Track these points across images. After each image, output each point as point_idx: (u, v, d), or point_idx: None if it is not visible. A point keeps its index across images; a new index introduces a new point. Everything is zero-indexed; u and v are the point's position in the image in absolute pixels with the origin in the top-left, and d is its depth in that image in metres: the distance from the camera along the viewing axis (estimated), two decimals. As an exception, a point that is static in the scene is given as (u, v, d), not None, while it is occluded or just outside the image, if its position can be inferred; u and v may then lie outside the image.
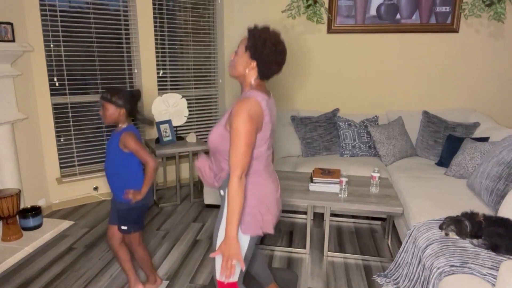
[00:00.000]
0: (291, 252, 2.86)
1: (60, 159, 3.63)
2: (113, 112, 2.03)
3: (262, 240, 3.01)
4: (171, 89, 4.18)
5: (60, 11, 3.41)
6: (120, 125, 2.09)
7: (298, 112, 4.03)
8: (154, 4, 3.85)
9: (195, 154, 4.15)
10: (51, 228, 3.11)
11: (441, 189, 2.75)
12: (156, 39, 3.95)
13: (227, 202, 1.48)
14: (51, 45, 3.42)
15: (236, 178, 1.46)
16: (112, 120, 2.05)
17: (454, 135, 3.40)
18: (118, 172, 2.09)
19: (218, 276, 1.63)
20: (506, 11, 3.62)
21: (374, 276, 2.48)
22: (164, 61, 4.09)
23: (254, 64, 1.56)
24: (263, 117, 1.53)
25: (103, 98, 2.01)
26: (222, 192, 1.66)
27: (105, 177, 3.80)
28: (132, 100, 2.06)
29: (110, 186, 2.13)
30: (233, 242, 1.46)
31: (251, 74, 1.59)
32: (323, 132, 3.76)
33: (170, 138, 3.74)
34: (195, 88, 4.34)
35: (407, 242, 2.29)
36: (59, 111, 3.57)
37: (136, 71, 3.91)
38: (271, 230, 1.63)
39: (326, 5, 3.93)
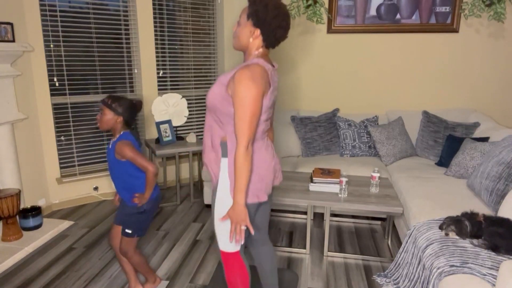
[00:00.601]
0: (291, 252, 2.86)
1: (60, 159, 3.63)
2: (110, 118, 2.00)
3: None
4: (171, 89, 4.18)
5: (60, 11, 3.41)
6: (116, 133, 2.06)
7: (298, 112, 4.03)
8: (154, 4, 3.85)
9: (195, 154, 4.16)
10: (51, 228, 3.11)
11: (441, 189, 2.75)
12: (156, 39, 3.95)
13: (234, 169, 1.48)
14: (51, 45, 3.42)
15: (243, 148, 1.46)
16: (108, 126, 2.02)
17: (454, 135, 3.40)
18: (121, 178, 2.08)
19: (222, 246, 1.65)
20: (506, 11, 3.62)
21: (374, 276, 2.48)
22: (164, 61, 4.09)
23: (258, 32, 1.52)
24: (269, 83, 1.51)
25: (103, 103, 2.00)
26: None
27: (106, 177, 3.82)
28: (131, 110, 2.04)
29: (116, 189, 2.13)
30: (241, 208, 1.49)
31: (256, 43, 1.55)
32: (323, 132, 3.76)
33: (170, 138, 3.74)
34: (195, 88, 4.34)
35: (407, 242, 2.29)
36: (59, 111, 3.57)
37: (136, 71, 3.91)
38: (264, 198, 1.64)
39: (326, 5, 3.94)
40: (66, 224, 3.25)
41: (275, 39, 1.55)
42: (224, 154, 1.60)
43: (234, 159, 1.48)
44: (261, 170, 1.62)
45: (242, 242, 1.55)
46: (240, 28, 1.54)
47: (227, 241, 1.64)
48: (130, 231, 2.12)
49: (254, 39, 1.54)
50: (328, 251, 2.83)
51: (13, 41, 3.02)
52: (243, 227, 1.53)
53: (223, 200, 1.61)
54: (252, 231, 1.55)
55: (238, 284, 1.72)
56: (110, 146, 2.05)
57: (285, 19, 1.52)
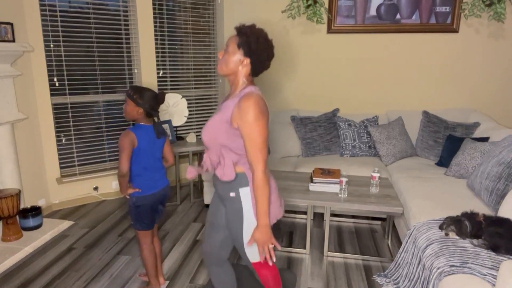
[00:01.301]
0: (291, 252, 2.86)
1: (60, 159, 3.63)
2: (131, 109, 2.07)
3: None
4: (171, 89, 4.19)
5: (60, 11, 3.41)
6: (134, 123, 2.14)
7: (298, 112, 4.03)
8: (154, 4, 3.85)
9: (195, 154, 4.15)
10: (51, 228, 3.11)
11: (441, 189, 2.75)
12: (156, 39, 3.95)
13: (255, 195, 1.57)
14: (51, 45, 3.42)
15: (261, 172, 1.55)
16: (130, 117, 2.09)
17: (454, 135, 3.40)
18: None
19: (254, 260, 1.76)
20: (506, 11, 3.62)
21: (374, 276, 2.48)
22: (164, 61, 4.09)
23: (247, 61, 1.59)
24: (267, 111, 1.60)
25: (126, 93, 2.07)
26: (232, 194, 1.67)
27: (106, 177, 3.82)
28: (152, 102, 2.08)
29: None
30: (266, 230, 1.60)
31: (244, 71, 1.61)
32: (323, 132, 3.76)
33: (170, 138, 3.74)
34: (195, 88, 4.34)
35: (407, 242, 2.29)
36: (59, 111, 3.57)
37: (136, 71, 3.91)
38: (281, 214, 1.78)
39: (326, 5, 3.93)
40: (66, 224, 3.25)
41: (262, 68, 1.63)
42: (245, 184, 1.66)
43: (255, 185, 1.56)
44: (273, 190, 1.73)
45: (274, 259, 1.64)
46: (228, 55, 1.59)
47: (256, 254, 1.73)
48: (132, 223, 2.21)
49: (243, 67, 1.60)
50: (328, 251, 2.82)
51: (13, 41, 3.02)
52: (271, 246, 1.63)
53: (253, 225, 1.68)
54: (279, 247, 1.67)
55: (269, 282, 1.88)
56: None
57: (272, 51, 1.62)
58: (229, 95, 1.68)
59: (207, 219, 1.89)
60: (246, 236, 1.70)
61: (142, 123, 2.10)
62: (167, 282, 2.47)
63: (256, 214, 1.61)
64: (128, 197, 2.13)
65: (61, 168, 3.65)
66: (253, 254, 1.75)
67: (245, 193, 1.67)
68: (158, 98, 2.10)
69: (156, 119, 2.18)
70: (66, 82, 3.55)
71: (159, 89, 4.06)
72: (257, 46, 1.56)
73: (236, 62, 1.59)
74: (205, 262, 1.93)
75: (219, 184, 1.72)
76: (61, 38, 3.46)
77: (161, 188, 2.19)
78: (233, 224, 1.71)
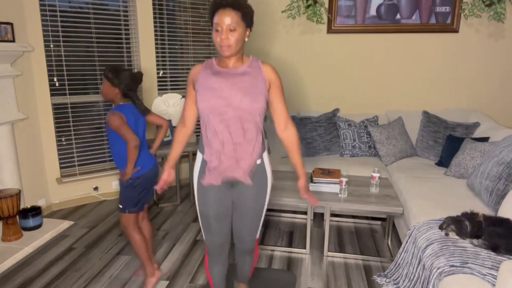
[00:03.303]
0: (291, 252, 2.86)
1: (60, 159, 3.63)
2: (107, 89, 2.05)
3: (262, 240, 3.01)
4: (171, 89, 4.18)
5: (60, 11, 3.41)
6: (114, 104, 2.10)
7: (298, 112, 4.03)
8: (154, 4, 3.85)
9: (195, 154, 4.15)
10: (51, 228, 3.11)
11: (441, 189, 2.75)
12: (156, 39, 3.94)
13: (297, 145, 1.73)
14: (51, 45, 3.42)
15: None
16: (107, 97, 2.08)
17: (454, 135, 3.40)
18: (113, 148, 2.13)
19: (257, 235, 1.88)
20: (506, 11, 3.62)
21: (374, 276, 2.48)
22: (164, 61, 4.09)
23: (248, 31, 1.60)
24: None
25: (103, 74, 2.06)
26: (259, 161, 1.71)
27: (106, 177, 3.82)
28: (129, 82, 2.06)
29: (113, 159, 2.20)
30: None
31: (243, 43, 1.62)
32: (323, 132, 3.75)
33: (170, 138, 3.74)
34: (195, 88, 4.33)
35: (407, 242, 2.29)
36: (59, 111, 3.57)
37: (136, 71, 3.90)
38: None
39: (326, 5, 3.93)
40: (66, 224, 3.25)
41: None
42: (264, 148, 1.75)
43: (295, 139, 1.72)
44: None
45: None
46: (236, 33, 1.53)
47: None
48: (121, 206, 2.16)
49: (246, 38, 1.61)
50: (328, 251, 2.82)
51: (13, 41, 3.02)
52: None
53: (271, 187, 1.80)
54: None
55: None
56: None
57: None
58: (222, 64, 1.63)
59: (208, 214, 1.77)
60: (267, 201, 1.80)
61: (121, 103, 2.09)
62: (167, 282, 2.47)
63: (299, 165, 1.77)
64: (123, 179, 2.11)
65: (61, 168, 3.65)
66: (258, 228, 1.86)
67: (266, 157, 1.75)
68: (135, 78, 2.09)
69: (135, 99, 2.14)
70: (66, 82, 3.55)
71: (158, 89, 4.06)
72: (253, 14, 1.59)
73: (243, 36, 1.57)
74: (218, 254, 1.88)
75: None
76: (61, 38, 3.46)
77: (153, 165, 2.20)
78: (258, 192, 1.74)
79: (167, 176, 1.81)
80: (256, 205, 1.77)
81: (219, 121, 1.59)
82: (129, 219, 2.19)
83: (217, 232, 1.81)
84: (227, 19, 1.50)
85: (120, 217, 2.23)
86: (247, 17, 1.55)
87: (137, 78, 2.10)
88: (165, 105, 3.76)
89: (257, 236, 1.90)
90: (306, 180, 1.81)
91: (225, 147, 1.62)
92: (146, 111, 2.18)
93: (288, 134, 1.72)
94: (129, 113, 2.09)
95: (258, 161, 1.70)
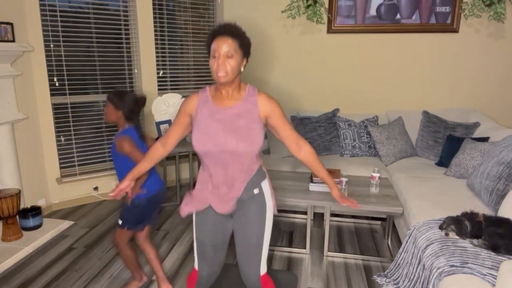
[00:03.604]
0: (291, 252, 2.86)
1: (60, 159, 3.63)
2: (111, 112, 2.07)
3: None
4: (171, 89, 4.18)
5: (60, 11, 3.41)
6: (120, 128, 2.12)
7: (298, 112, 4.03)
8: (154, 4, 3.85)
9: (195, 154, 4.15)
10: (51, 228, 3.11)
11: (441, 189, 2.75)
12: (156, 39, 3.95)
13: (317, 161, 1.72)
14: (51, 45, 3.42)
15: (308, 143, 1.72)
16: (111, 120, 2.09)
17: (454, 135, 3.40)
18: (119, 171, 2.13)
19: (263, 269, 1.73)
20: (506, 11, 3.62)
21: (374, 276, 2.48)
22: (164, 61, 4.09)
23: (245, 61, 1.59)
24: None
25: (107, 96, 2.07)
26: (256, 191, 1.67)
27: (106, 177, 3.82)
28: (132, 106, 2.07)
29: (119, 180, 2.19)
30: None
31: (240, 71, 1.60)
32: (323, 132, 3.76)
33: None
34: (195, 88, 4.34)
35: (407, 242, 2.29)
36: (59, 111, 3.57)
37: (136, 71, 3.91)
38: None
39: (326, 5, 3.93)
40: (66, 224, 3.25)
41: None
42: (265, 176, 1.72)
43: (313, 154, 1.71)
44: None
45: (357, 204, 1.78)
46: (232, 60, 1.51)
47: (265, 263, 1.75)
48: (120, 222, 2.17)
49: (242, 67, 1.59)
50: (328, 251, 2.83)
51: (13, 41, 3.02)
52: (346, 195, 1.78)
53: (271, 218, 1.73)
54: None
55: None
56: (114, 139, 2.12)
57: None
58: (218, 99, 1.61)
59: (205, 243, 1.72)
60: (268, 232, 1.71)
61: (126, 127, 2.09)
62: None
63: (327, 178, 1.74)
64: (127, 198, 2.12)
65: (61, 168, 3.65)
66: (264, 262, 1.72)
67: (266, 186, 1.71)
68: (138, 102, 2.09)
69: (137, 123, 2.15)
70: (66, 82, 3.55)
71: (158, 89, 4.06)
72: (250, 44, 1.59)
73: (240, 65, 1.55)
74: (206, 282, 1.80)
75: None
76: (61, 38, 3.46)
77: (159, 188, 2.20)
78: (255, 222, 1.68)
79: (124, 185, 1.75)
80: (254, 235, 1.69)
81: (214, 164, 1.61)
82: (123, 236, 2.19)
83: (211, 260, 1.76)
84: (224, 45, 1.50)
85: (115, 231, 2.21)
86: (245, 47, 1.56)
87: (140, 102, 2.13)
88: (165, 105, 3.75)
89: (262, 273, 1.74)
90: (338, 189, 1.78)
91: (219, 188, 1.65)
92: (144, 136, 2.18)
93: (304, 153, 1.71)
94: (135, 136, 2.11)
95: (256, 191, 1.67)
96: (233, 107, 1.58)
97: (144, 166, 1.78)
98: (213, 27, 1.56)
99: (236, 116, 1.58)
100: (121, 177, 2.14)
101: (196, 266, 1.79)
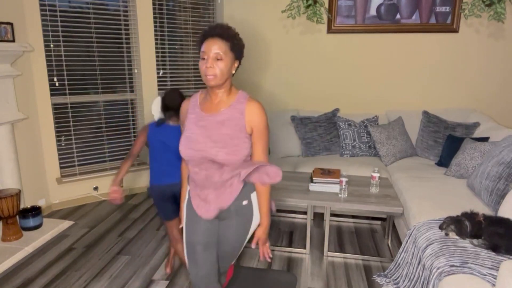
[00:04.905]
0: (291, 252, 2.86)
1: (60, 159, 3.63)
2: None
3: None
4: (171, 89, 4.18)
5: (60, 11, 3.41)
6: None
7: (298, 112, 4.03)
8: (154, 4, 3.85)
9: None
10: (51, 228, 3.11)
11: (441, 189, 2.75)
12: (156, 39, 3.94)
13: (266, 195, 1.62)
14: (51, 45, 3.42)
15: None
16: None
17: (454, 135, 3.40)
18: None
19: (233, 262, 1.82)
20: (506, 11, 3.62)
21: (374, 276, 2.48)
22: (164, 61, 4.09)
23: (237, 63, 1.57)
24: None
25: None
26: (245, 202, 1.63)
27: (106, 177, 3.82)
28: (167, 103, 2.23)
29: None
30: (268, 229, 1.69)
31: (230, 75, 1.57)
32: (323, 132, 3.76)
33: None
34: (195, 88, 4.34)
35: (407, 242, 2.29)
36: (59, 111, 3.57)
37: (136, 71, 3.91)
38: None
39: (326, 5, 3.93)
40: (66, 224, 3.25)
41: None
42: (253, 188, 1.66)
43: (266, 186, 1.62)
44: None
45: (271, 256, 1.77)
46: (222, 62, 1.48)
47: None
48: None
49: (233, 70, 1.56)
50: (328, 251, 2.82)
51: (13, 41, 3.02)
52: (268, 244, 1.74)
53: (254, 227, 1.72)
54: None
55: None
56: None
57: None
58: (206, 104, 1.60)
59: (196, 243, 1.70)
60: (245, 242, 1.74)
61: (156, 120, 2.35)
62: (167, 282, 2.47)
63: (263, 214, 1.66)
64: None
65: (61, 168, 3.65)
66: (234, 260, 1.82)
67: (254, 198, 1.66)
68: (168, 102, 2.26)
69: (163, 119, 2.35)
70: (66, 82, 3.55)
71: (158, 89, 4.05)
72: (243, 47, 1.57)
73: (230, 68, 1.52)
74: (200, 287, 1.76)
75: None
76: (61, 38, 3.46)
77: (164, 183, 2.23)
78: (239, 231, 1.68)
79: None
80: (236, 243, 1.71)
81: (197, 170, 1.59)
82: (168, 226, 2.37)
83: (203, 261, 1.71)
84: (214, 47, 1.46)
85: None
86: (236, 49, 1.52)
87: (171, 104, 2.23)
88: (165, 105, 3.75)
89: (232, 262, 1.84)
90: (265, 231, 1.66)
91: (200, 194, 1.64)
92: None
93: None
94: (153, 131, 2.25)
95: (244, 202, 1.63)
96: (217, 114, 1.55)
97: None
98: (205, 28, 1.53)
99: (220, 124, 1.54)
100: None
101: (189, 273, 1.76)
